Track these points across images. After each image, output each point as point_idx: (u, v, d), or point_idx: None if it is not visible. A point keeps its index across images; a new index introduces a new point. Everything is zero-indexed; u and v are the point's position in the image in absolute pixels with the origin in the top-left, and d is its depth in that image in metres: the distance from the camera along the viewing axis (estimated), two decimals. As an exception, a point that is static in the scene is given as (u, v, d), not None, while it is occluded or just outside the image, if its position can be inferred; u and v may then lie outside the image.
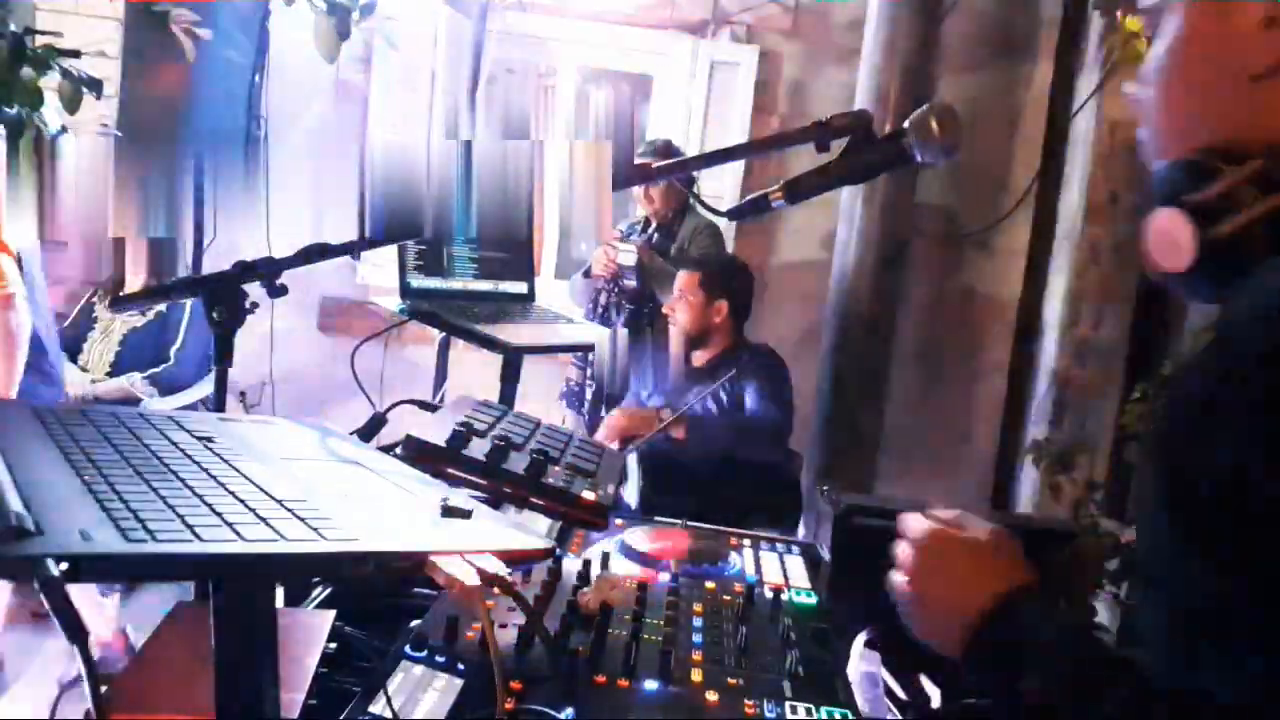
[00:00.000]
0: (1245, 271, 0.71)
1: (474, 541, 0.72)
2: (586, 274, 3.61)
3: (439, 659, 0.97)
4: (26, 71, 2.42)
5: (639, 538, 1.40)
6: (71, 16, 3.23)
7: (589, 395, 3.48)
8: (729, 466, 2.84)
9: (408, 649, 0.98)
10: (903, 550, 0.89)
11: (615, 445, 2.72)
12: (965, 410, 4.21)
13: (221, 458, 0.79)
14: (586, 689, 0.95)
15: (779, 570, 1.38)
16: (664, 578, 1.27)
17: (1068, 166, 3.88)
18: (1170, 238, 0.74)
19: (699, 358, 3.16)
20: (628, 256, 3.37)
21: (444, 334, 2.49)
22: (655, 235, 3.60)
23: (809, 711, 0.96)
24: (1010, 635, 0.78)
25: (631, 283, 3.39)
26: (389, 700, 0.88)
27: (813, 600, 1.28)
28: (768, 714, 0.95)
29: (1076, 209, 3.74)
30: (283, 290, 1.36)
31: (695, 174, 3.38)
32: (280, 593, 1.10)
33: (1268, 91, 0.74)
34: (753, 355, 3.10)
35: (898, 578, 0.88)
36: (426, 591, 1.18)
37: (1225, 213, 0.72)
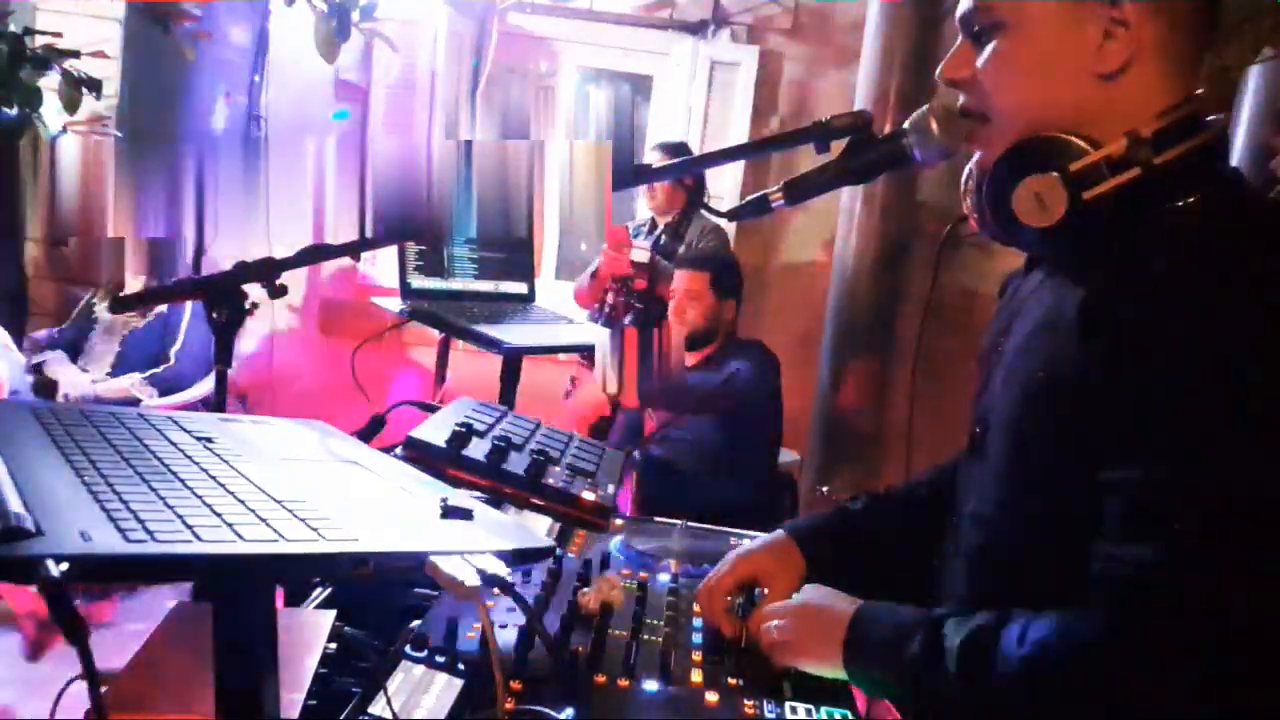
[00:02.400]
0: (1097, 232, 0.87)
1: (474, 541, 0.72)
2: (593, 276, 3.61)
3: (439, 659, 0.97)
4: (26, 72, 2.43)
5: (639, 538, 1.40)
6: (71, 16, 3.24)
7: None
8: (723, 470, 2.83)
9: (408, 649, 0.98)
10: (768, 623, 1.04)
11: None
12: (965, 410, 4.21)
13: (221, 458, 0.79)
14: (586, 689, 0.95)
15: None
16: (664, 578, 1.27)
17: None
18: (1042, 198, 0.88)
19: (692, 357, 3.15)
20: (641, 255, 3.37)
21: (444, 334, 2.48)
22: (663, 236, 3.60)
23: (809, 712, 0.96)
24: (883, 617, 0.98)
25: (643, 283, 3.39)
26: (389, 700, 0.88)
27: (813, 600, 1.27)
28: (768, 714, 0.95)
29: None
30: (283, 291, 1.36)
31: (703, 176, 3.38)
32: (280, 593, 1.10)
33: (1116, 88, 0.88)
34: (745, 349, 3.09)
35: (774, 633, 1.03)
36: (426, 591, 1.18)
37: (1094, 181, 0.86)
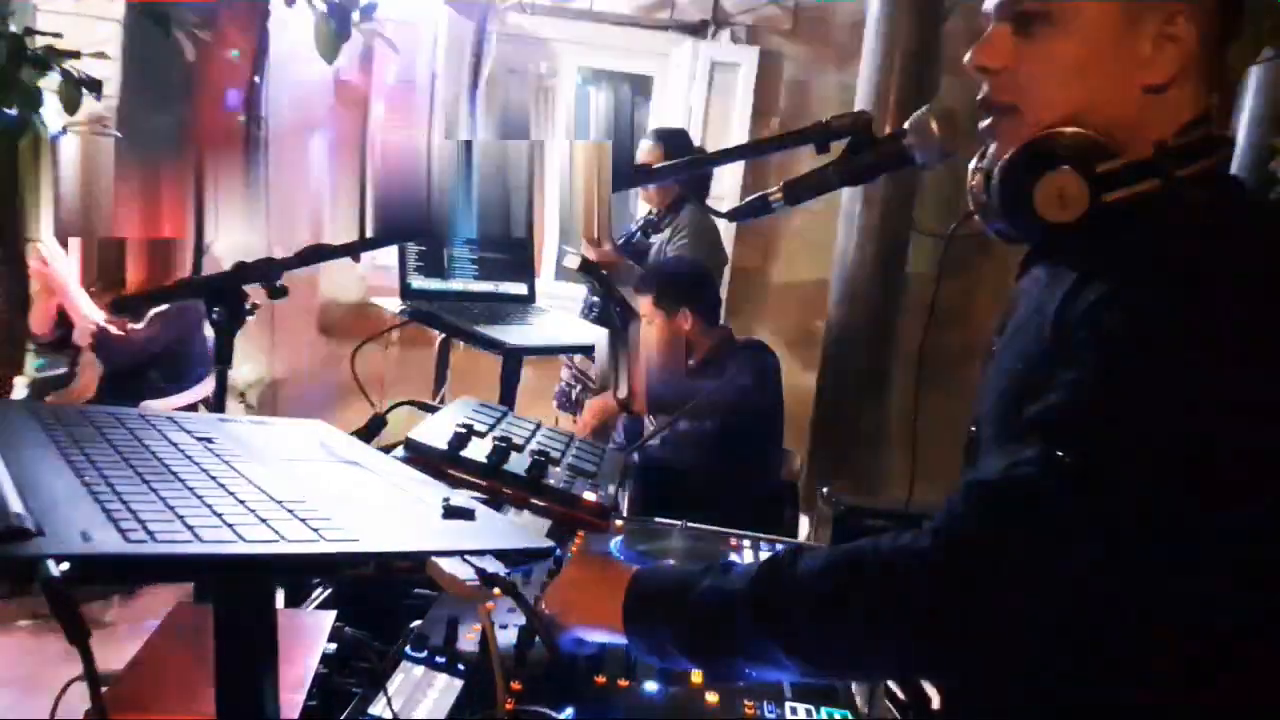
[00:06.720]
0: (1107, 236, 0.86)
1: (475, 542, 0.72)
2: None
3: (439, 659, 0.97)
4: (26, 72, 2.42)
5: (639, 538, 1.40)
6: (71, 16, 3.23)
7: (576, 396, 3.45)
8: (724, 472, 2.82)
9: (408, 649, 0.98)
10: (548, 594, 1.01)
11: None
12: (965, 410, 4.21)
13: (222, 459, 0.79)
14: (586, 689, 0.95)
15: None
16: (664, 578, 1.27)
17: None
18: (1065, 193, 0.87)
19: (693, 360, 3.11)
20: (570, 260, 3.37)
21: (444, 335, 2.48)
22: (638, 234, 3.59)
23: (809, 712, 0.96)
24: (665, 576, 0.96)
25: (592, 284, 3.39)
26: (389, 700, 0.88)
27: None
28: (767, 714, 0.95)
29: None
30: (283, 291, 1.36)
31: (702, 174, 3.35)
32: (280, 593, 1.11)
33: (1155, 100, 0.88)
34: (742, 350, 3.05)
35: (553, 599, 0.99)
36: (426, 591, 1.18)
37: (1116, 185, 0.86)
